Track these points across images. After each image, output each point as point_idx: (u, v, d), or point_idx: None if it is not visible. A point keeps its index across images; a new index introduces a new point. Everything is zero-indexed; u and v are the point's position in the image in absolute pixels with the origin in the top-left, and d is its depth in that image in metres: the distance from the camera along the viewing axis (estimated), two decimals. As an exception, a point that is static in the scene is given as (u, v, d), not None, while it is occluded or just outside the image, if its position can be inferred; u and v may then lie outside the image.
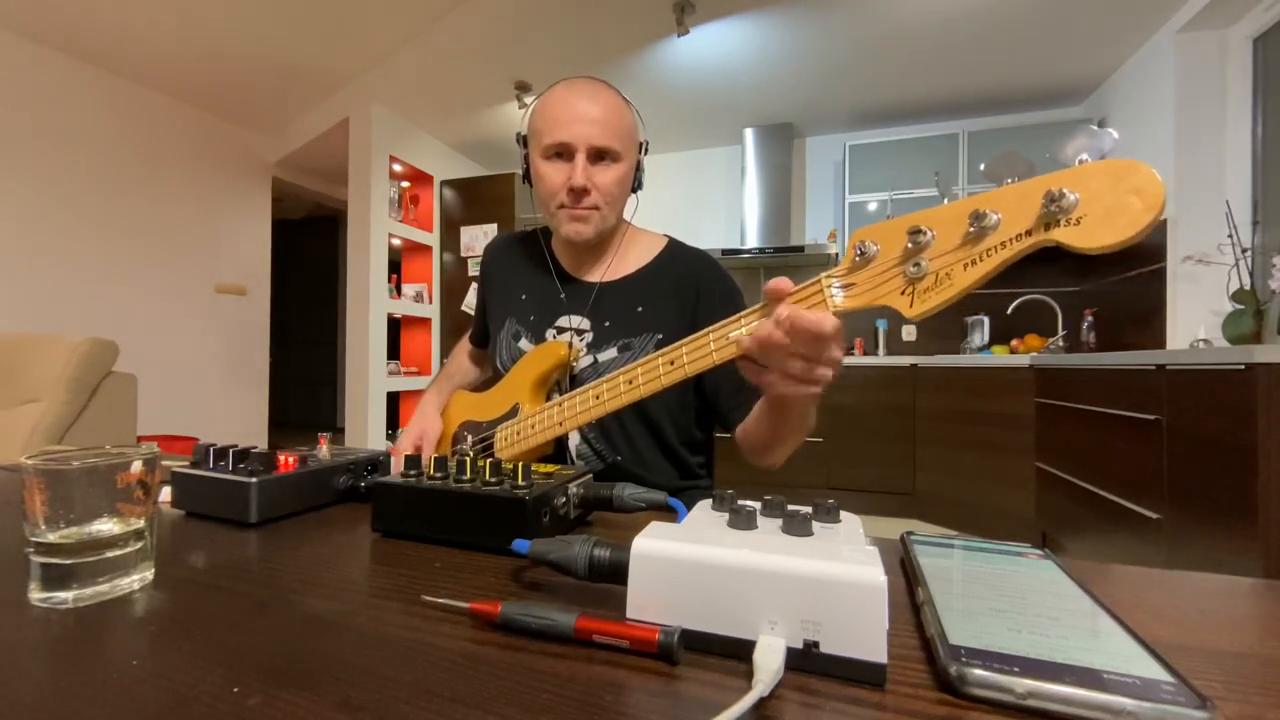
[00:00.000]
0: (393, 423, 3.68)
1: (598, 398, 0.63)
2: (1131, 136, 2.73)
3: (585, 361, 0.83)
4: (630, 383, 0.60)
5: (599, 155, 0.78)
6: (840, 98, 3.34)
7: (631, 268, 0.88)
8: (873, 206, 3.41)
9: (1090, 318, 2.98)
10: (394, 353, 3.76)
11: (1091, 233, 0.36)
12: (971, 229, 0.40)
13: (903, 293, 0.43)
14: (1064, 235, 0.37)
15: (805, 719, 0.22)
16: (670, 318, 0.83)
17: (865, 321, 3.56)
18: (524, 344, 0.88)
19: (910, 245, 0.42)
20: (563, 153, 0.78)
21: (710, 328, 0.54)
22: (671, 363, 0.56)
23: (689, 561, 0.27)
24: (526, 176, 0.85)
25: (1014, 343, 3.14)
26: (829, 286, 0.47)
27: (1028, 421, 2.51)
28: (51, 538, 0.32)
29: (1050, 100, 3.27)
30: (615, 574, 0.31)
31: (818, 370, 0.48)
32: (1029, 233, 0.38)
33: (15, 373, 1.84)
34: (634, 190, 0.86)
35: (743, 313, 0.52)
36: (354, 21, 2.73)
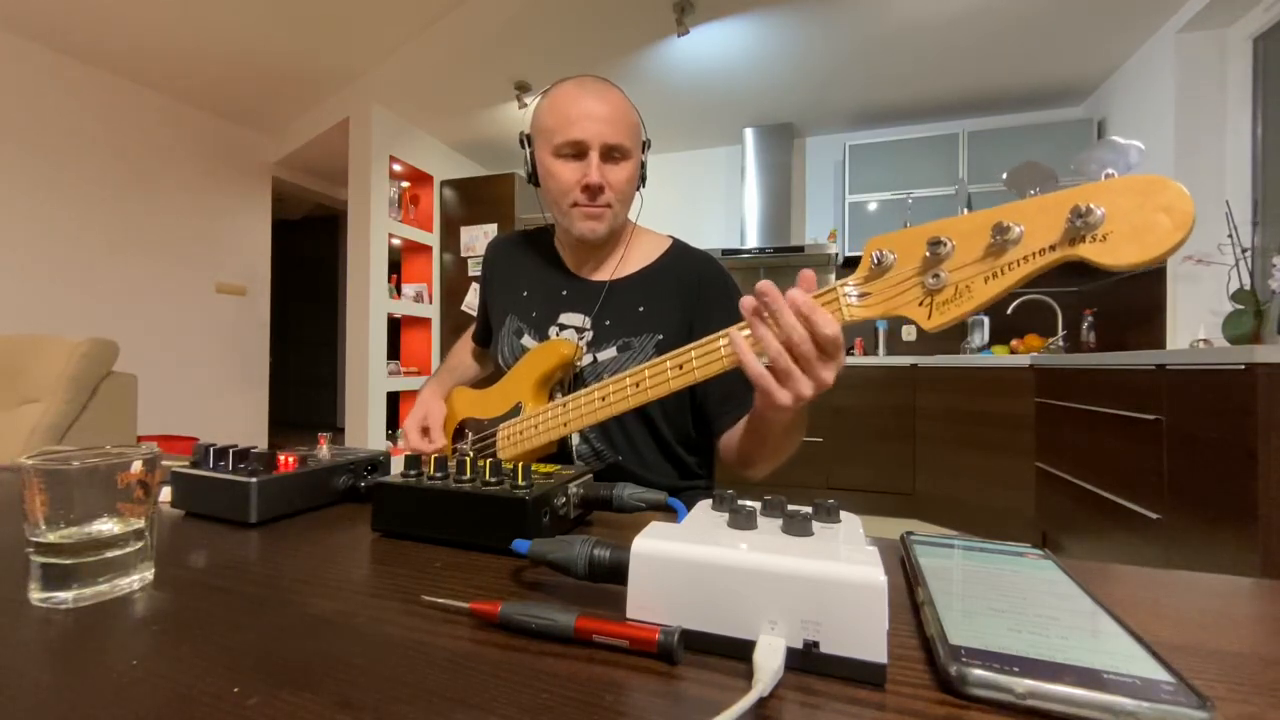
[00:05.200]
0: (393, 423, 3.67)
1: (604, 399, 0.62)
2: (1132, 137, 2.72)
3: (585, 360, 0.83)
4: (638, 385, 0.59)
5: (610, 153, 0.78)
6: (840, 98, 3.34)
7: (634, 267, 0.87)
8: (873, 206, 3.41)
9: (1090, 318, 2.98)
10: (394, 353, 3.76)
11: (1118, 250, 0.35)
12: (994, 241, 0.39)
13: (920, 304, 0.42)
14: (1090, 251, 0.36)
15: (805, 719, 0.22)
16: (672, 319, 0.83)
17: (866, 321, 3.55)
18: (527, 340, 0.88)
19: (929, 255, 0.41)
20: (575, 151, 0.78)
21: (721, 332, 0.54)
22: (680, 367, 0.56)
23: (689, 561, 0.27)
24: (531, 176, 0.85)
25: (1014, 343, 3.14)
26: (845, 294, 0.46)
27: (1028, 421, 2.51)
28: (51, 538, 0.32)
29: (1050, 100, 3.27)
30: (615, 574, 0.31)
31: (815, 370, 0.48)
32: (1053, 247, 0.37)
33: (15, 373, 1.83)
34: (638, 188, 0.86)
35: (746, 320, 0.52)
36: (354, 21, 2.72)
